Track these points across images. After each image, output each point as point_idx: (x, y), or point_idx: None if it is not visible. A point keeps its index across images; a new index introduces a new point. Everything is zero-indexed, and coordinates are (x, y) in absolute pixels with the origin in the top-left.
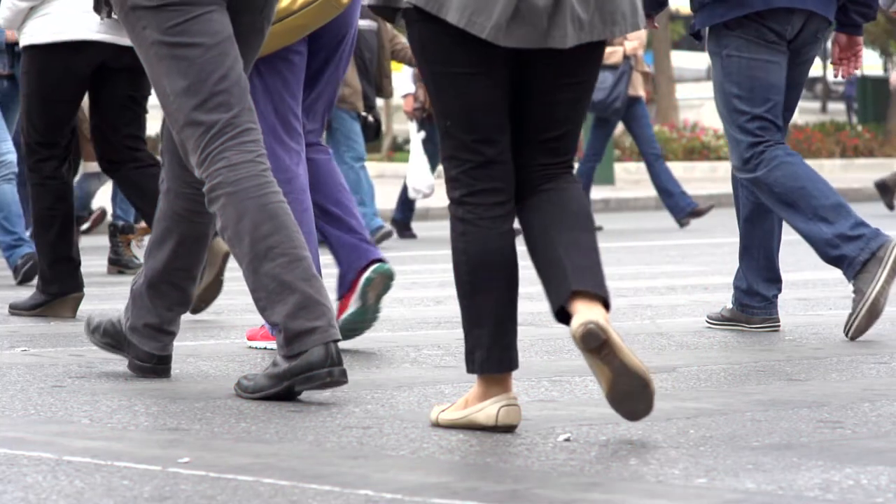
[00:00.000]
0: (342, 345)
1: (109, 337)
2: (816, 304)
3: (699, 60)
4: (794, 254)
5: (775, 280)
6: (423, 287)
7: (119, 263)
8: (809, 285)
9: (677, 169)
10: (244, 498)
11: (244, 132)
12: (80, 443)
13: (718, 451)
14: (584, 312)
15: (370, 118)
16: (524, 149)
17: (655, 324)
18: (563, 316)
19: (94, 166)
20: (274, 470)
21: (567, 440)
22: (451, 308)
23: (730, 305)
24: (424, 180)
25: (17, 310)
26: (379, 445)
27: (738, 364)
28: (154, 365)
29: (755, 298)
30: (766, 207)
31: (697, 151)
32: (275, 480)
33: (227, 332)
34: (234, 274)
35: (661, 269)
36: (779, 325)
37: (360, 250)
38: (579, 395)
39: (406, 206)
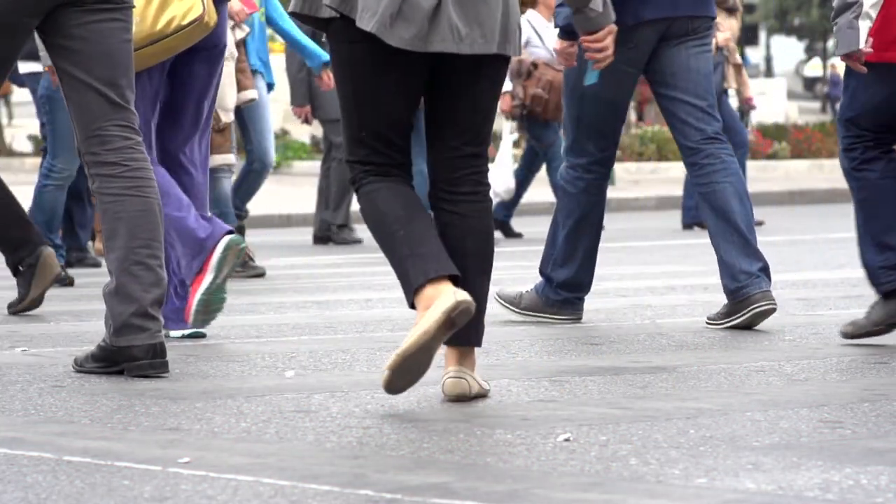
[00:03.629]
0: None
1: (99, 360)
2: (816, 304)
3: None
4: (795, 254)
5: (755, 254)
6: None
7: None
8: (809, 285)
9: (677, 169)
10: (244, 498)
11: None
12: (80, 443)
13: (718, 451)
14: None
15: None
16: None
17: (655, 324)
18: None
19: (218, 159)
20: (274, 470)
21: (567, 440)
22: None
23: (726, 301)
24: (505, 182)
25: (15, 310)
26: (379, 445)
27: (738, 364)
28: (151, 359)
29: (741, 277)
30: (714, 188)
31: None
32: (275, 480)
33: (228, 331)
34: (233, 274)
35: (661, 269)
36: (775, 304)
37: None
38: (579, 395)
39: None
